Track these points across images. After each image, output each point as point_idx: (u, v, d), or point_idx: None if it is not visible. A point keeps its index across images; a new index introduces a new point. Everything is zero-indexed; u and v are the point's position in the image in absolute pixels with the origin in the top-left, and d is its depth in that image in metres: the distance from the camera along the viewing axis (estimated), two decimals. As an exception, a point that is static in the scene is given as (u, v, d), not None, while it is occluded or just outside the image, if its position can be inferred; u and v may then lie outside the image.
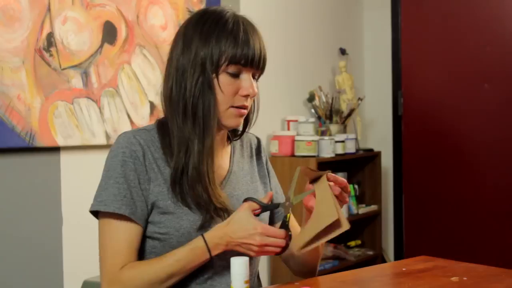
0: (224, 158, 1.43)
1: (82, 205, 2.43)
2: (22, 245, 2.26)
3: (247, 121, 1.43)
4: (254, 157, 1.52)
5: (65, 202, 2.38)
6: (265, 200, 1.35)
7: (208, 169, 1.30)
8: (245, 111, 1.34)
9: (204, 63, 1.29)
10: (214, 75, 1.29)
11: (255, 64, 1.31)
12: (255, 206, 1.29)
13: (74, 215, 2.40)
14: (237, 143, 1.49)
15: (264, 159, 1.54)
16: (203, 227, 1.29)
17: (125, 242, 1.26)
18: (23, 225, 2.26)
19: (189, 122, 1.30)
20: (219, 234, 1.26)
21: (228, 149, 1.45)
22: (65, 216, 2.38)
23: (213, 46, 1.28)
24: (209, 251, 1.25)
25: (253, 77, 1.34)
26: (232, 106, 1.32)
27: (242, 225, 1.25)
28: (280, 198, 1.55)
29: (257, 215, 1.29)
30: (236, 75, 1.30)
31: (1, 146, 2.16)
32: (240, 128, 1.45)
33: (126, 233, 1.27)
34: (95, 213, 1.33)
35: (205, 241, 1.25)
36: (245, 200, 1.33)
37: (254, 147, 1.54)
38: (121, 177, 1.28)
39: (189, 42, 1.31)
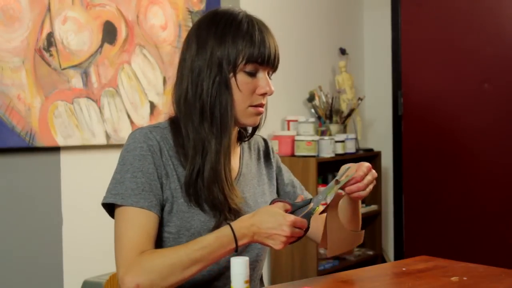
0: (234, 160, 1.43)
1: (82, 205, 2.44)
2: (22, 245, 2.26)
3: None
4: (262, 159, 1.52)
5: (65, 202, 2.38)
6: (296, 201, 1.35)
7: (226, 169, 1.31)
8: (263, 110, 1.36)
9: (220, 63, 1.30)
10: (231, 74, 1.30)
11: (271, 63, 1.33)
12: (287, 206, 1.29)
13: (74, 215, 2.40)
14: (245, 144, 1.50)
15: (273, 160, 1.55)
16: (215, 229, 1.29)
17: (143, 230, 1.25)
18: (23, 225, 2.26)
19: (207, 123, 1.30)
20: (246, 224, 1.25)
21: (238, 150, 1.46)
22: (65, 216, 2.38)
23: (229, 46, 1.29)
24: (235, 240, 1.23)
25: (268, 74, 1.36)
26: (251, 105, 1.33)
27: (270, 216, 1.24)
28: (298, 191, 1.56)
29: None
30: (253, 74, 1.32)
31: (1, 146, 2.16)
32: (250, 130, 1.46)
33: (143, 222, 1.26)
34: (107, 206, 1.31)
35: (232, 230, 1.24)
36: (273, 201, 1.33)
37: (261, 149, 1.54)
38: (139, 171, 1.28)
39: (203, 43, 1.32)
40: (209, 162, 1.30)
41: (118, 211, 1.28)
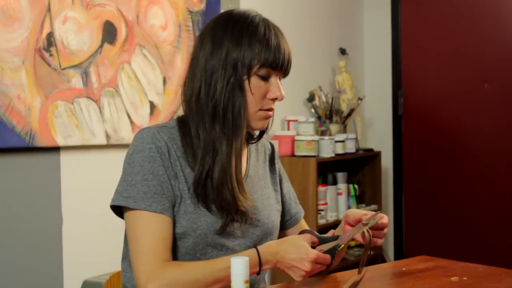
0: (242, 161, 1.42)
1: (82, 205, 2.44)
2: (22, 245, 2.26)
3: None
4: (267, 163, 1.52)
5: (65, 202, 2.38)
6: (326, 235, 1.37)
7: (237, 171, 1.32)
8: (272, 114, 1.37)
9: (236, 65, 1.29)
10: (245, 77, 1.30)
11: (284, 68, 1.34)
12: (314, 239, 1.32)
13: (74, 215, 2.40)
14: (253, 146, 1.50)
15: (277, 166, 1.55)
16: (221, 230, 1.30)
17: (160, 235, 1.25)
18: (23, 225, 2.26)
19: (219, 124, 1.30)
20: (272, 251, 1.27)
21: (245, 152, 1.46)
22: (65, 216, 2.38)
23: (245, 49, 1.30)
24: (260, 264, 1.26)
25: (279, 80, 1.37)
26: (261, 109, 1.34)
27: (294, 248, 1.27)
28: (293, 204, 1.56)
29: (313, 247, 1.31)
30: (265, 78, 1.32)
31: (1, 146, 2.16)
32: (257, 133, 1.46)
33: (159, 227, 1.26)
34: (114, 207, 1.31)
35: (258, 254, 1.26)
36: (302, 232, 1.36)
37: (268, 153, 1.54)
38: (149, 173, 1.28)
39: (219, 42, 1.31)
40: (219, 164, 1.29)
41: (130, 215, 1.28)
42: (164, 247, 1.25)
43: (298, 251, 1.26)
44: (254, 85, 1.31)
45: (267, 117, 1.36)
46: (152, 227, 1.25)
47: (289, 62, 1.35)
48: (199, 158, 1.30)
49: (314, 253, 1.26)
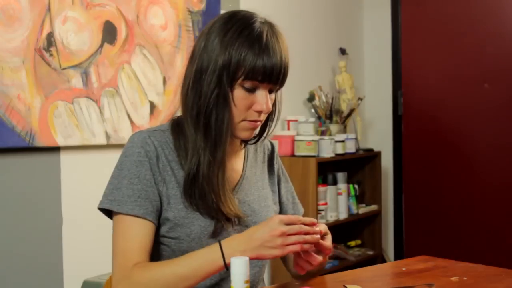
0: (238, 161, 1.41)
1: (82, 205, 2.44)
2: (22, 245, 2.26)
3: (264, 127, 1.41)
4: (266, 164, 1.50)
5: (65, 202, 2.38)
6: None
7: (219, 182, 1.28)
8: (259, 124, 1.32)
9: (221, 74, 1.25)
10: (229, 88, 1.26)
11: (273, 80, 1.27)
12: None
13: (74, 215, 2.40)
14: (251, 146, 1.47)
15: (276, 167, 1.52)
16: (215, 234, 1.29)
17: (136, 239, 1.24)
18: (23, 225, 2.26)
19: (201, 131, 1.28)
20: (235, 242, 1.20)
21: (242, 152, 1.44)
22: (65, 216, 2.38)
23: (231, 57, 1.24)
24: (223, 257, 1.19)
25: (272, 91, 1.31)
26: (245, 120, 1.29)
27: (260, 225, 1.20)
28: (290, 205, 1.54)
29: None
30: (251, 90, 1.27)
31: (1, 146, 2.16)
32: (257, 132, 1.41)
33: (137, 231, 1.25)
34: (104, 210, 1.31)
35: (220, 247, 1.20)
36: None
37: (267, 152, 1.52)
38: (135, 177, 1.27)
39: (210, 46, 1.27)
40: (202, 173, 1.27)
41: (114, 218, 1.28)
42: (139, 249, 1.24)
43: (263, 223, 1.19)
44: (237, 96, 1.26)
45: (253, 128, 1.31)
46: (131, 230, 1.25)
47: (280, 73, 1.27)
48: (188, 161, 1.29)
49: (278, 215, 1.19)
